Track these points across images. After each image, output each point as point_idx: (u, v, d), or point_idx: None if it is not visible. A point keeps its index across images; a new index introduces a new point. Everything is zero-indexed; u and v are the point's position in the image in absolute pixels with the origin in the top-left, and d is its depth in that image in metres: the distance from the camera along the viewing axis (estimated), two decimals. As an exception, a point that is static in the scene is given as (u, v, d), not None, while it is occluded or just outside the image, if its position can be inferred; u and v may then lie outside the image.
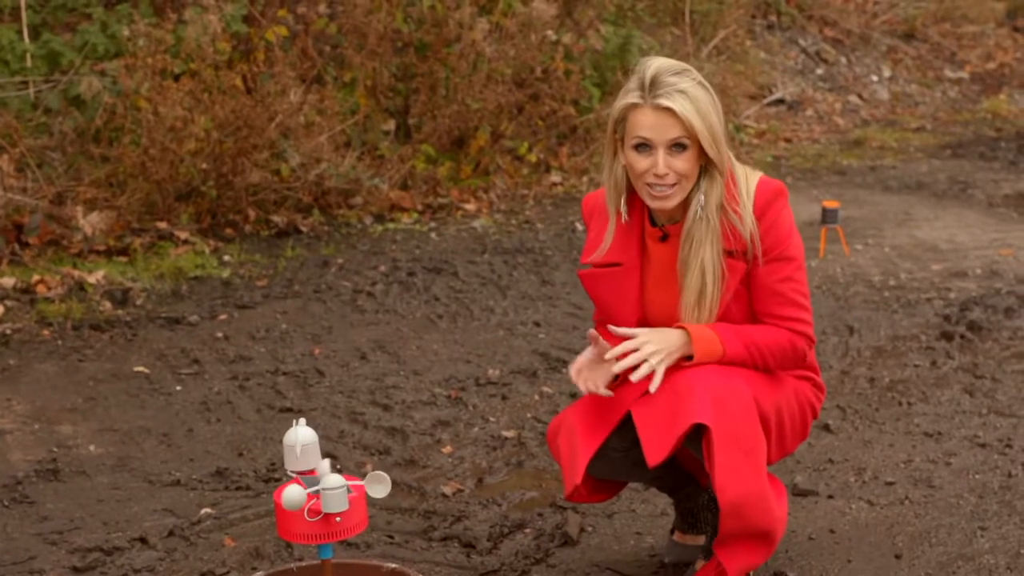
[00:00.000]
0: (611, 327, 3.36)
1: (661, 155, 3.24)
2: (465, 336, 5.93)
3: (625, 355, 3.26)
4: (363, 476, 3.14)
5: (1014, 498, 4.18)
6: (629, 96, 3.26)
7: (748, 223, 3.29)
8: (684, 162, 3.25)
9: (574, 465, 3.38)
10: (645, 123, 3.24)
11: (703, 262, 3.30)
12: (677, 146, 3.24)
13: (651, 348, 3.26)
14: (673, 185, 3.26)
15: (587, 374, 3.39)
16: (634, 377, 3.23)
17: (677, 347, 3.28)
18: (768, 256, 3.31)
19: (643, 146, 3.26)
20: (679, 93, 3.21)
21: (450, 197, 8.41)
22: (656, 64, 3.25)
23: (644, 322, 3.44)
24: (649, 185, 3.28)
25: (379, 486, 3.05)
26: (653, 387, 3.23)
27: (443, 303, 6.41)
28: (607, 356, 3.29)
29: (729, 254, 3.32)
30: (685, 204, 3.33)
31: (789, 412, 3.44)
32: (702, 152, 3.25)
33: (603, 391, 3.35)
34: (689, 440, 3.29)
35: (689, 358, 3.29)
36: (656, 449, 3.23)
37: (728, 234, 3.31)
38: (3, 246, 6.79)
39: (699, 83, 3.25)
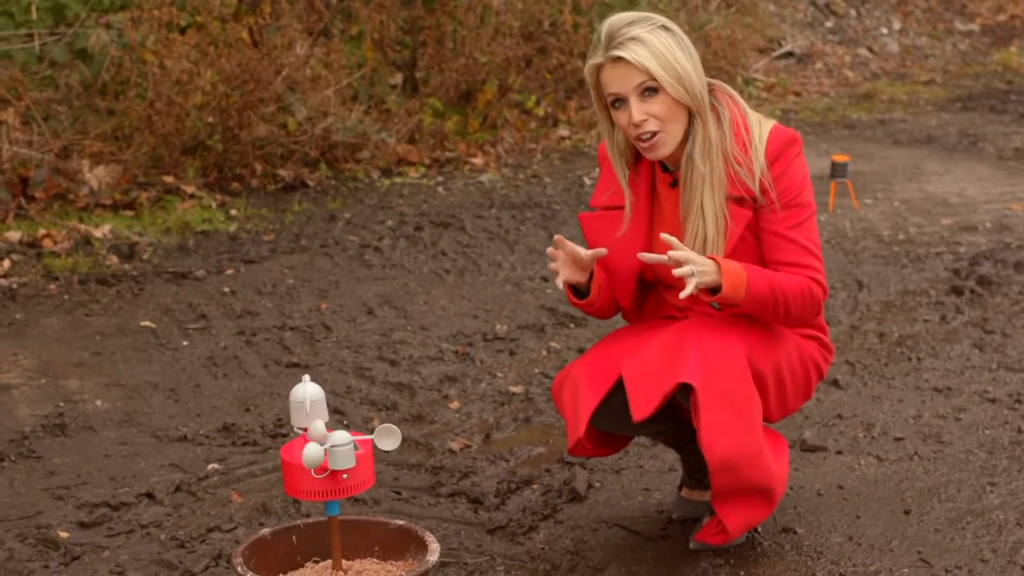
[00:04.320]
0: (641, 255, 3.26)
1: (634, 104, 3.27)
2: (472, 291, 5.91)
3: (677, 263, 3.16)
4: (370, 432, 3.14)
5: (1024, 454, 4.17)
6: (594, 58, 3.33)
7: (758, 170, 3.30)
8: (659, 105, 3.27)
9: (577, 418, 3.38)
10: (610, 78, 3.29)
11: (703, 208, 3.31)
12: (647, 91, 3.27)
13: (698, 264, 3.17)
14: (656, 132, 3.28)
15: (565, 272, 3.37)
16: (684, 294, 3.14)
17: (712, 272, 3.19)
18: (780, 203, 3.31)
19: (618, 101, 3.30)
20: (631, 40, 3.25)
21: (457, 151, 8.36)
22: (611, 20, 3.32)
23: (646, 269, 3.44)
24: (636, 138, 3.30)
25: (389, 439, 3.04)
26: (684, 294, 3.14)
27: (450, 258, 6.39)
28: (647, 259, 3.21)
29: (736, 201, 3.32)
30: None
31: (790, 370, 3.42)
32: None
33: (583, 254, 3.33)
34: (681, 394, 3.29)
35: (715, 291, 3.22)
36: (642, 404, 3.24)
37: (734, 180, 3.30)
38: (9, 200, 6.77)
39: (659, 27, 3.28)
